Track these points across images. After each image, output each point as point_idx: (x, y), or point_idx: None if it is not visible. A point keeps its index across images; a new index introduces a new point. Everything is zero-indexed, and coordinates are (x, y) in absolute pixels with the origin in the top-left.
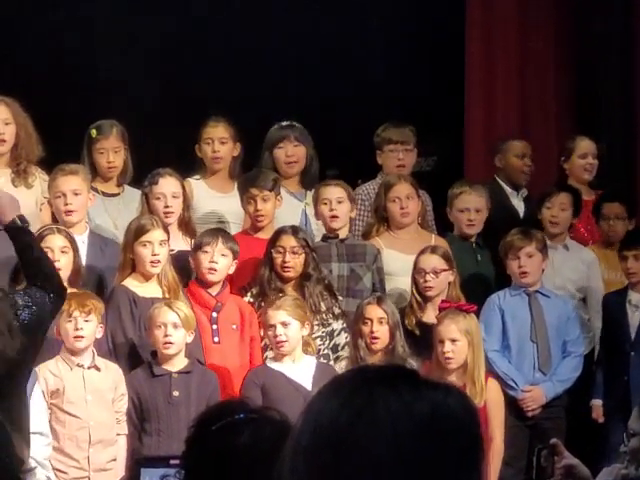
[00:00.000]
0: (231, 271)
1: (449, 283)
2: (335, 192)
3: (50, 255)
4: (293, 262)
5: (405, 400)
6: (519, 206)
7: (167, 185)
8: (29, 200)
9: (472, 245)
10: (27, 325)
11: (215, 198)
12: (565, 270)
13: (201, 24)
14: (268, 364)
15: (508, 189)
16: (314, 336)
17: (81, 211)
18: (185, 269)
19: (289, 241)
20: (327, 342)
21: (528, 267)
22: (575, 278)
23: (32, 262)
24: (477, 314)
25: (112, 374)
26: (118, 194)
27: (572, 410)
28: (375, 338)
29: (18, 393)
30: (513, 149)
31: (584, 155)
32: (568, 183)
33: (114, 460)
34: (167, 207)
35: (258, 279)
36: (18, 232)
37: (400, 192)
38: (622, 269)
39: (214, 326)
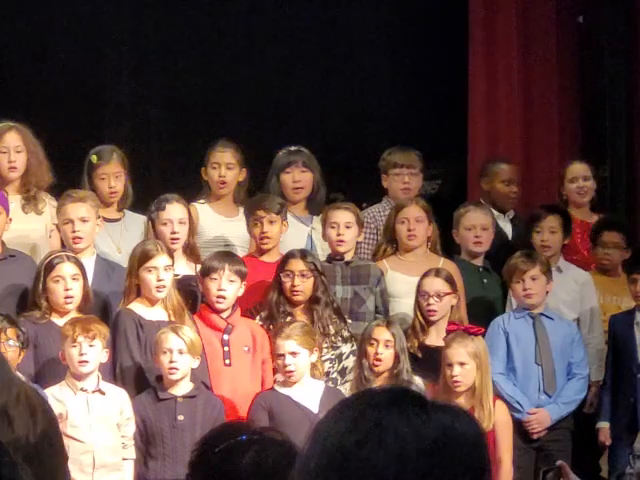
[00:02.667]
0: (240, 293)
1: (452, 306)
2: (344, 216)
3: (62, 283)
4: (302, 286)
5: (413, 423)
6: (506, 228)
7: (174, 211)
8: (39, 226)
9: (479, 269)
10: None
11: (220, 222)
12: (559, 292)
13: (208, 49)
14: (276, 388)
15: (495, 212)
16: (323, 359)
17: (89, 238)
18: (190, 293)
19: (298, 265)
20: (336, 365)
21: (533, 289)
22: (569, 300)
23: None
24: (483, 337)
25: (118, 398)
26: (119, 219)
27: (577, 432)
28: (379, 360)
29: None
30: (500, 175)
31: (574, 179)
32: (567, 209)
33: None
34: (174, 233)
35: (267, 303)
36: None
37: (409, 214)
38: (631, 292)
39: (225, 348)
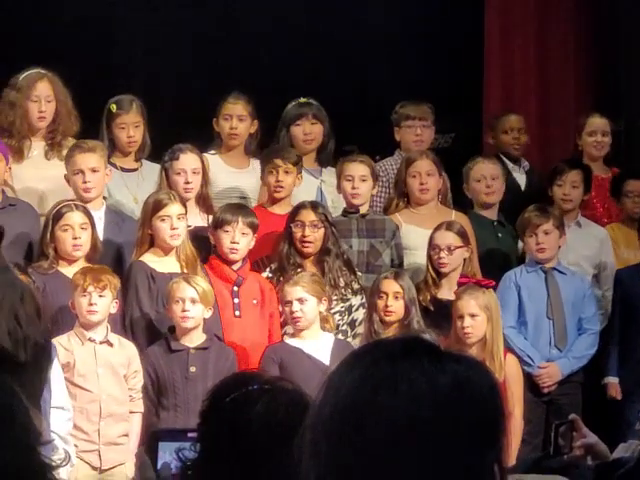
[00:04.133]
0: (251, 246)
1: (464, 260)
2: (359, 169)
3: (70, 232)
4: (312, 236)
5: (427, 372)
6: (521, 179)
7: (188, 161)
8: (62, 172)
9: (493, 223)
10: None
11: (231, 174)
12: (578, 247)
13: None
14: (286, 340)
15: (509, 163)
16: (333, 311)
17: (98, 188)
18: (203, 244)
19: (308, 215)
20: (345, 317)
21: (546, 244)
22: (589, 254)
23: None
24: (494, 290)
25: (126, 350)
26: (137, 169)
27: (588, 387)
28: (389, 312)
29: (39, 369)
30: (501, 125)
31: (592, 132)
32: (582, 160)
33: (125, 435)
34: (187, 183)
35: (277, 254)
36: None
37: (420, 168)
38: None
39: (235, 300)
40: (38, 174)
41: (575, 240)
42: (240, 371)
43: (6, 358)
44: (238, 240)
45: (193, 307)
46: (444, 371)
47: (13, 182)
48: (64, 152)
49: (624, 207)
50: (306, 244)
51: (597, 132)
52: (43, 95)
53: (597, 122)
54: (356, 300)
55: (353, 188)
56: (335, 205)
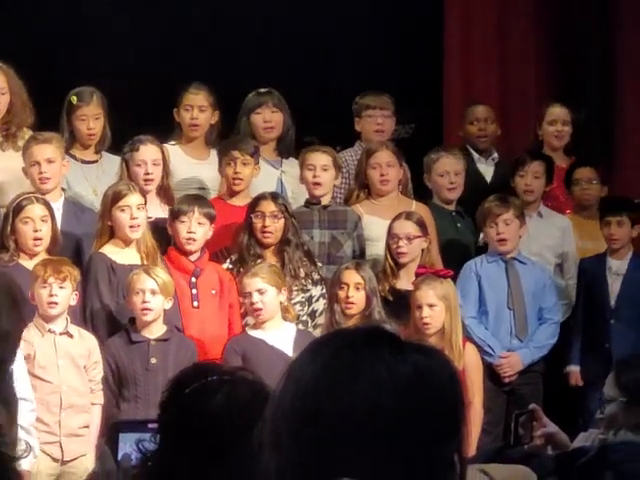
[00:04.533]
0: (209, 236)
1: (422, 250)
2: (321, 159)
3: (31, 225)
4: (273, 227)
5: (388, 362)
6: (486, 171)
7: (148, 152)
8: (18, 163)
9: (452, 213)
10: None
11: (191, 164)
12: (541, 237)
13: None
14: (248, 332)
15: (475, 155)
16: (293, 302)
17: (55, 178)
18: (163, 236)
19: (269, 206)
20: (306, 308)
21: (506, 234)
22: (552, 244)
23: None
24: (454, 280)
25: (86, 342)
26: (96, 161)
27: (549, 376)
28: (350, 303)
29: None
30: (467, 116)
31: (553, 122)
32: (542, 150)
33: (86, 427)
34: (147, 174)
35: (237, 245)
36: None
37: (381, 159)
38: (604, 235)
39: (193, 290)
40: None
41: (537, 230)
42: (199, 362)
43: None
44: (195, 230)
45: (153, 298)
46: (405, 360)
47: None
48: (19, 143)
49: (574, 196)
50: (266, 234)
51: (557, 121)
52: None
53: (557, 111)
54: (316, 291)
55: (314, 177)
56: (295, 196)
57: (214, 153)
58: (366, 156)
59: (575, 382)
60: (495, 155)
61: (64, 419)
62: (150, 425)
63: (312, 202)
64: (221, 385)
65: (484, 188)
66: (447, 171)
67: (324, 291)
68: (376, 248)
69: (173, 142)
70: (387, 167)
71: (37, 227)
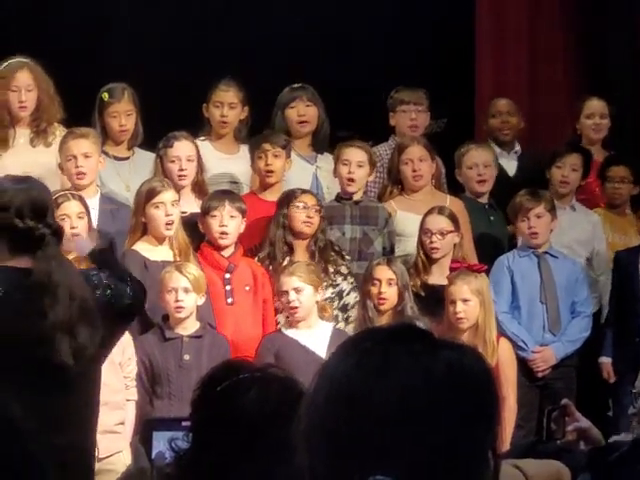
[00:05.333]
0: (241, 230)
1: (454, 245)
2: (357, 155)
3: (67, 222)
4: (315, 219)
5: (420, 359)
6: (509, 165)
7: (182, 148)
8: (49, 159)
9: (485, 206)
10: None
11: (221, 160)
12: (572, 231)
13: None
14: (283, 330)
15: (497, 149)
16: (324, 297)
17: (92, 174)
18: (197, 231)
19: (311, 199)
20: (336, 302)
21: (537, 228)
22: (582, 238)
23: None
24: (487, 275)
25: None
26: (129, 157)
27: (582, 370)
28: (383, 299)
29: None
30: (490, 109)
31: (590, 115)
32: (580, 144)
33: (122, 424)
34: (182, 170)
35: (269, 238)
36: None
37: (413, 154)
38: (638, 228)
39: (227, 287)
40: (25, 162)
41: (569, 224)
42: (230, 359)
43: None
44: (227, 223)
45: (186, 296)
46: (437, 358)
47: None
48: (49, 139)
49: (606, 192)
50: (307, 224)
51: (595, 114)
52: (23, 85)
53: (595, 105)
54: (346, 285)
55: (349, 173)
56: (330, 191)
57: (244, 148)
58: (398, 151)
59: (607, 375)
60: (518, 148)
61: (100, 415)
62: (184, 423)
63: (344, 197)
64: (253, 382)
65: (507, 182)
66: (476, 163)
67: (354, 285)
68: (411, 244)
69: (202, 137)
70: (419, 162)
71: (73, 224)
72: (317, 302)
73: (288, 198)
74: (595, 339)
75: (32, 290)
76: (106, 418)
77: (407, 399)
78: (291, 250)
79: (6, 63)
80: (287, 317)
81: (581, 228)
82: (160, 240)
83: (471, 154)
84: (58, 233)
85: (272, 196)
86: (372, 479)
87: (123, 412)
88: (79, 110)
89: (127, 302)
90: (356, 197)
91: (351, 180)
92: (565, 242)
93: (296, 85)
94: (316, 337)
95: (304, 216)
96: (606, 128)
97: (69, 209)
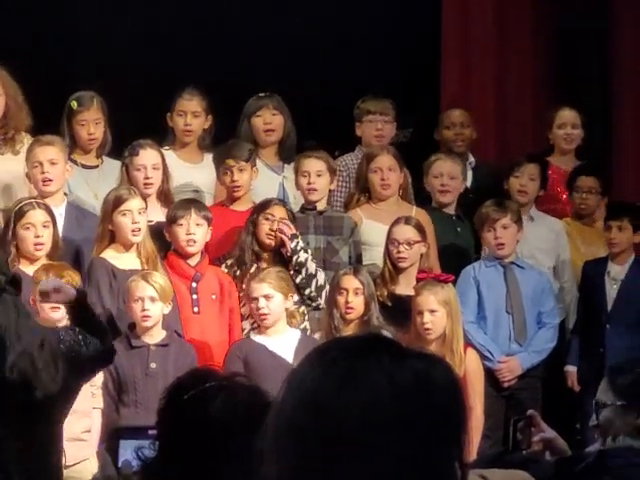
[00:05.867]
0: (207, 238)
1: (421, 255)
2: (315, 165)
3: (32, 230)
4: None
5: (387, 369)
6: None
7: (147, 156)
8: (16, 167)
9: (452, 217)
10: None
11: (185, 169)
12: (532, 240)
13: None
14: (251, 337)
15: None
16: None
17: (58, 181)
18: (163, 240)
19: (280, 211)
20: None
21: (504, 239)
22: (546, 247)
23: (88, 321)
24: (454, 285)
25: None
26: (97, 166)
27: (548, 380)
28: (350, 308)
29: (46, 425)
30: (443, 121)
31: (562, 125)
32: (552, 154)
33: (88, 431)
34: (147, 178)
35: (239, 243)
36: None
37: (382, 163)
38: (605, 238)
39: (194, 296)
40: None
41: (528, 233)
42: (197, 368)
43: None
44: (193, 231)
45: (153, 305)
46: (404, 368)
47: None
48: (17, 147)
49: (573, 202)
50: (271, 237)
51: (567, 124)
52: None
53: (567, 115)
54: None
55: (309, 183)
56: (297, 202)
57: (208, 157)
58: (367, 160)
59: (571, 384)
60: (472, 159)
61: (66, 424)
62: (150, 431)
63: (308, 208)
64: (220, 391)
65: (463, 193)
66: (441, 173)
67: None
68: (376, 253)
69: (167, 147)
70: (388, 171)
71: (38, 233)
72: (286, 309)
73: (261, 207)
74: (560, 348)
75: None
76: (73, 426)
77: (373, 409)
78: (258, 258)
79: None
80: (253, 323)
81: (543, 237)
82: (127, 247)
83: (438, 163)
84: (15, 281)
85: (241, 206)
86: None
87: (90, 420)
88: (47, 118)
89: (91, 354)
90: (320, 207)
91: (312, 190)
92: (525, 252)
93: (262, 94)
94: (284, 343)
95: (267, 228)
96: (579, 138)
97: (34, 218)
